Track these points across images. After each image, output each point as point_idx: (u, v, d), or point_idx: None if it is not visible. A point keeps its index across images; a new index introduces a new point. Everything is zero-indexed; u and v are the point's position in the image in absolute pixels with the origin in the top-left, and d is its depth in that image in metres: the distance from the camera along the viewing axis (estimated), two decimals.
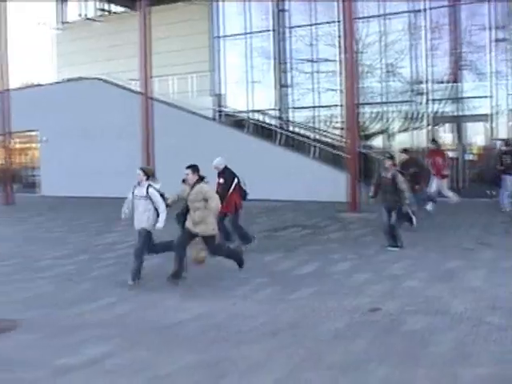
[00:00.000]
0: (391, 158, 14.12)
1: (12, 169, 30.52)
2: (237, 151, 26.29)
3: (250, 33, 31.29)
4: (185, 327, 8.28)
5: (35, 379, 6.55)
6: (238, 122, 30.34)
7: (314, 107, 29.82)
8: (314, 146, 26.83)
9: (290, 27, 30.24)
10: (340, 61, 27.16)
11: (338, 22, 26.00)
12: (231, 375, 6.47)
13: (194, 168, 11.24)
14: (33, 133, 33.90)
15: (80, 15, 40.52)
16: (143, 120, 24.83)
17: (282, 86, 30.57)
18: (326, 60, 29.34)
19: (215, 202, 11.00)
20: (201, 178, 11.17)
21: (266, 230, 17.59)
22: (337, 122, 29.07)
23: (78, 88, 31.34)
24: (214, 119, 30.59)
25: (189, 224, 11.06)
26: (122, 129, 27.79)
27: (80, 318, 8.90)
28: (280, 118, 30.49)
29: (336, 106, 28.44)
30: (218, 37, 32.10)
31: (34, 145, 35.19)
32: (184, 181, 11.32)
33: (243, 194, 14.40)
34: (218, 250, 11.67)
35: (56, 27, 41.70)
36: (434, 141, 21.38)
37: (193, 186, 11.09)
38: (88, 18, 39.54)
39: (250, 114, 30.69)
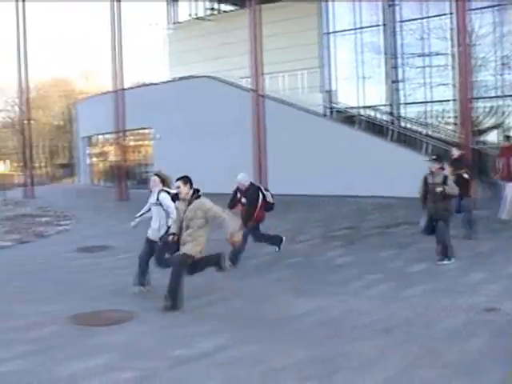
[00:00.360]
0: (437, 160, 12.37)
1: (126, 166, 31.39)
2: (348, 148, 26.26)
3: (360, 28, 31.06)
4: (298, 322, 8.31)
5: (154, 369, 6.72)
6: (348, 119, 30.23)
7: (425, 102, 29.31)
8: (426, 142, 26.41)
9: (401, 21, 29.79)
10: (452, 54, 26.66)
11: (450, 14, 25.52)
12: (344, 371, 6.43)
13: (185, 179, 9.52)
14: (146, 130, 34.78)
15: (190, 15, 41.20)
16: (254, 117, 25.03)
17: (392, 81, 30.17)
18: (438, 54, 28.77)
19: (232, 222, 9.49)
20: (196, 191, 9.52)
21: (379, 226, 17.46)
22: (449, 117, 28.50)
23: (190, 86, 31.94)
24: (324, 115, 30.50)
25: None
26: (233, 126, 28.06)
27: (194, 311, 9.08)
28: (391, 113, 30.13)
29: (448, 100, 27.92)
30: (328, 33, 32.02)
31: (147, 142, 36.08)
32: (177, 196, 9.78)
33: (269, 206, 13.03)
34: (176, 273, 9.24)
35: (167, 27, 42.58)
36: (507, 137, 18.66)
37: (190, 202, 9.38)
38: (198, 18, 40.16)
39: (361, 110, 30.48)
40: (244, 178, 12.96)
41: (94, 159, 42.76)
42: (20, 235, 18.71)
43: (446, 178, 11.93)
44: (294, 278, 10.90)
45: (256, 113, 25.04)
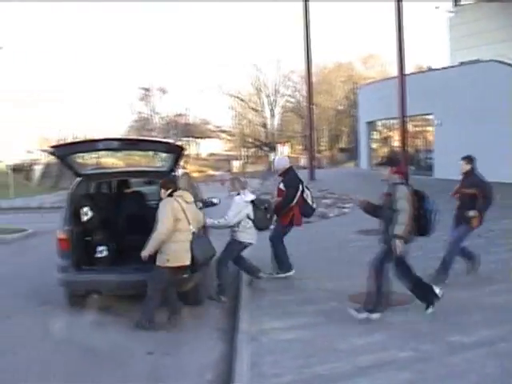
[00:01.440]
0: (387, 163, 8.96)
1: (407, 151, 31.56)
2: None
3: None
4: None
5: (429, 351, 7.07)
6: None
7: None
8: None
9: None
10: None
11: None
12: None
13: (164, 181, 9.04)
14: (428, 116, 34.58)
15: None
16: None
17: None
18: None
19: (159, 229, 8.49)
20: (174, 191, 8.84)
21: None
22: None
23: (474, 71, 31.10)
24: None
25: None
26: None
27: (475, 300, 9.28)
28: None
29: None
30: None
31: (428, 128, 35.85)
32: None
33: (308, 210, 11.15)
34: (153, 287, 8.70)
35: (450, 10, 41.92)
36: None
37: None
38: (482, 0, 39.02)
39: None
40: (281, 162, 11.26)
41: (375, 144, 43.33)
42: None
43: (394, 186, 8.64)
44: None
45: None
